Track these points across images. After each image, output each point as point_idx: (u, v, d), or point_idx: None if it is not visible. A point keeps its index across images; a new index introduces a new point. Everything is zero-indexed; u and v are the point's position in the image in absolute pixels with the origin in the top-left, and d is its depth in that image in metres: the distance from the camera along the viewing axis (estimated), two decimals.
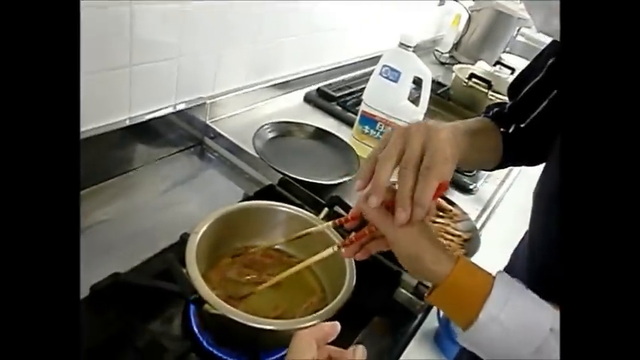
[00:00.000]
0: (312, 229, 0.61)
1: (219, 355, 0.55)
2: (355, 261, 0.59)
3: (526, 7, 0.43)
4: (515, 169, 1.20)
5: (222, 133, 0.89)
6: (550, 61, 0.61)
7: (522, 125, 0.64)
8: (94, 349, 0.51)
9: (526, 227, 0.62)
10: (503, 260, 0.73)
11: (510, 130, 0.65)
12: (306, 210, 0.77)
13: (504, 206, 1.14)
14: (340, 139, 0.95)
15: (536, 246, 0.58)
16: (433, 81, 1.38)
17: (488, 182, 1.07)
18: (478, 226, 0.89)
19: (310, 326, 0.50)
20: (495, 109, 0.68)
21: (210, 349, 0.56)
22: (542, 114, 0.62)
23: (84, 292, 0.56)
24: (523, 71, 0.66)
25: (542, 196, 0.55)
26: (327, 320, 0.51)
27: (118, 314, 0.55)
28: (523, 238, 0.67)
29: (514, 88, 0.66)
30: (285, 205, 0.66)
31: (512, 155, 0.66)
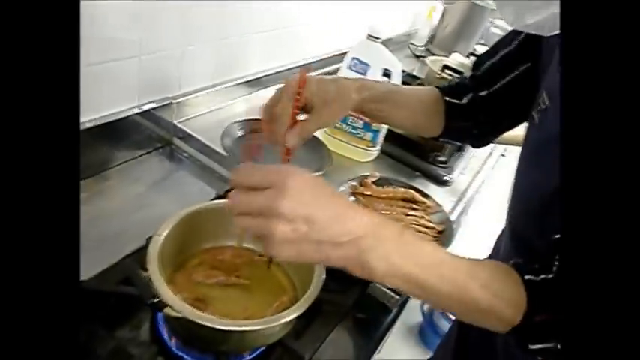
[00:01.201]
0: None
1: (188, 358, 0.54)
2: None
3: (497, 6, 0.44)
4: (492, 160, 1.20)
5: (191, 133, 0.87)
6: (521, 37, 0.63)
7: (482, 94, 0.67)
8: None
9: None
10: (483, 250, 0.73)
11: (466, 100, 0.68)
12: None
13: (482, 197, 1.15)
14: (313, 136, 0.94)
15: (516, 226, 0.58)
16: (407, 74, 1.39)
17: (464, 174, 1.07)
18: (453, 217, 0.89)
19: (278, 325, 0.49)
20: (455, 81, 0.72)
21: (179, 353, 0.54)
22: (507, 86, 0.65)
23: None
24: (493, 46, 0.69)
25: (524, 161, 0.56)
26: (299, 317, 0.50)
27: (80, 323, 0.54)
28: (503, 231, 0.67)
29: (480, 60, 0.70)
30: None
31: (459, 126, 0.69)
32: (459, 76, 1.26)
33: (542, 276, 0.41)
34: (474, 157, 1.14)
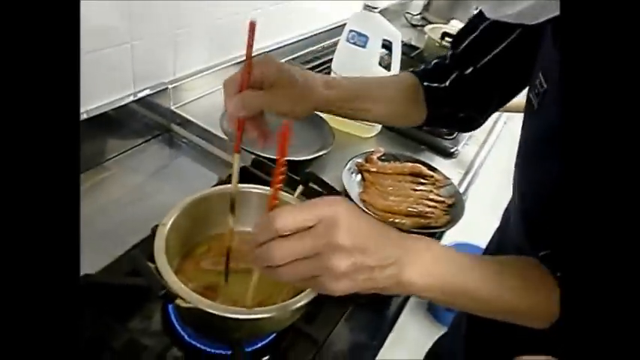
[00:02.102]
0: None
1: (201, 347, 0.54)
2: None
3: None
4: (497, 128, 1.18)
5: (189, 118, 0.85)
6: None
7: (468, 72, 0.63)
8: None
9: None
10: (493, 222, 0.72)
11: (448, 82, 0.64)
12: (282, 189, 0.74)
13: (488, 167, 1.13)
14: (315, 113, 0.91)
15: (525, 199, 0.57)
16: (405, 44, 1.35)
17: (470, 144, 1.04)
18: (462, 189, 0.87)
19: (291, 311, 0.48)
20: (433, 63, 0.67)
21: (192, 342, 0.54)
22: (498, 58, 0.61)
23: None
24: (469, 21, 0.65)
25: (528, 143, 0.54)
26: (310, 302, 0.49)
27: (92, 317, 0.53)
28: (509, 205, 0.66)
29: (459, 37, 0.65)
30: (258, 186, 0.63)
31: (443, 111, 0.66)
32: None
33: None
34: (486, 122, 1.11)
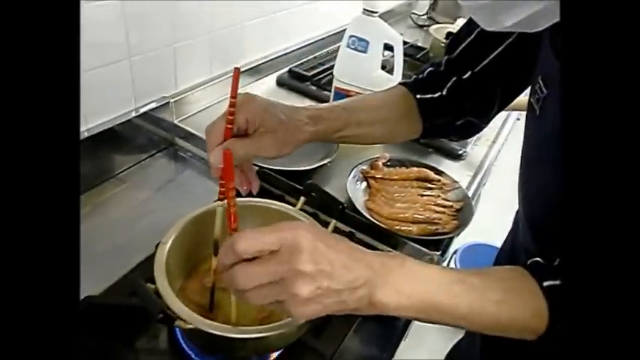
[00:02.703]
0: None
1: None
2: None
3: (468, 10, 0.41)
4: (506, 128, 1.15)
5: (192, 131, 0.85)
6: None
7: (466, 76, 0.61)
8: None
9: None
10: (508, 222, 0.70)
11: (445, 90, 0.62)
12: (288, 200, 0.74)
13: (500, 166, 1.10)
14: None
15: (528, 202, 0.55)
16: (411, 45, 1.33)
17: (479, 145, 1.02)
18: (472, 192, 0.85)
19: (295, 327, 0.47)
20: (425, 72, 0.64)
21: None
22: (499, 59, 0.59)
23: None
24: (464, 25, 0.63)
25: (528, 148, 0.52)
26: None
27: (97, 340, 0.53)
28: (518, 212, 0.64)
29: (454, 42, 0.63)
30: (260, 199, 0.62)
31: (439, 122, 0.63)
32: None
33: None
34: (488, 126, 1.09)
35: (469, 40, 0.61)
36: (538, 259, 0.42)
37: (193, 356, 0.54)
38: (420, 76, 0.65)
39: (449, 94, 0.62)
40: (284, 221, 0.38)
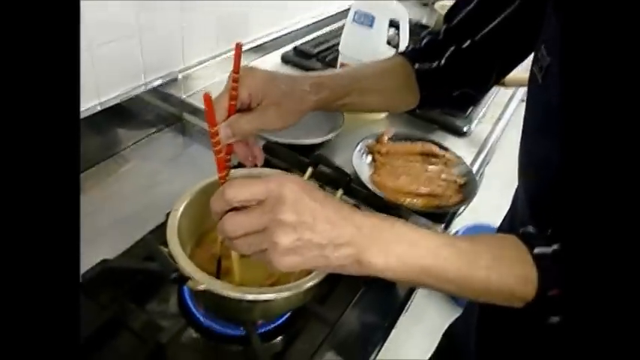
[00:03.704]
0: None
1: (217, 327, 0.55)
2: None
3: None
4: (512, 105, 1.15)
5: (200, 106, 0.86)
6: None
7: (465, 45, 0.61)
8: (90, 336, 0.51)
9: None
10: (508, 204, 0.71)
11: (444, 60, 0.61)
12: (294, 172, 0.75)
13: (504, 145, 1.11)
14: None
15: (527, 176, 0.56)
16: (416, 24, 1.33)
17: (483, 122, 1.03)
18: (475, 168, 0.86)
19: (303, 291, 0.49)
20: (423, 41, 0.64)
21: (207, 323, 0.55)
22: (501, 26, 0.58)
23: None
24: None
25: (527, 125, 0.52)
26: (322, 283, 0.49)
27: (111, 300, 0.55)
28: (518, 189, 0.65)
29: (453, 11, 0.62)
30: (266, 169, 0.64)
31: (436, 92, 0.63)
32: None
33: (555, 247, 0.39)
34: (492, 104, 1.09)
35: (469, 8, 0.60)
36: (530, 228, 0.42)
37: (202, 319, 0.56)
38: (418, 45, 0.65)
39: (447, 63, 0.62)
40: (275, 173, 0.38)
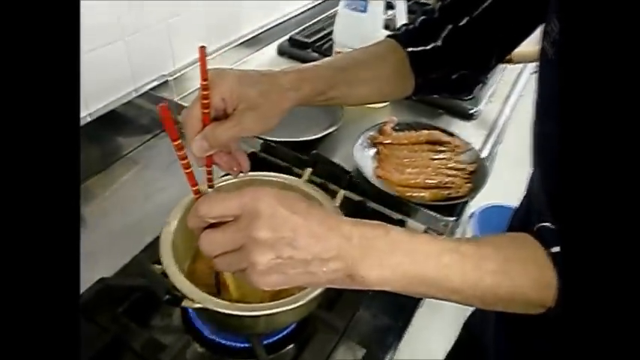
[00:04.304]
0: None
1: (221, 342, 0.53)
2: (348, 214, 0.54)
3: None
4: (522, 81, 1.10)
5: None
6: None
7: (463, 23, 0.56)
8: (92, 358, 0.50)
9: None
10: (524, 183, 0.67)
11: (440, 40, 0.56)
12: (295, 172, 0.72)
13: (515, 125, 1.06)
14: None
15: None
16: (415, 2, 1.27)
17: (492, 102, 0.98)
18: (486, 152, 0.82)
19: (306, 302, 0.46)
20: (418, 21, 0.59)
21: (212, 337, 0.54)
22: (495, 6, 0.54)
23: None
24: None
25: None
26: (328, 289, 0.47)
27: (112, 320, 0.54)
28: (533, 173, 0.60)
29: None
30: (265, 173, 0.61)
31: (433, 76, 0.58)
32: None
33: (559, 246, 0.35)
34: (501, 81, 1.04)
35: None
36: (547, 223, 0.38)
37: (206, 334, 0.54)
38: (412, 26, 0.59)
39: (444, 44, 0.57)
40: (250, 188, 0.35)
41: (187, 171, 0.39)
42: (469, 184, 0.70)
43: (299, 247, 0.33)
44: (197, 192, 0.40)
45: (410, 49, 0.57)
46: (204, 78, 0.42)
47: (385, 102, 0.88)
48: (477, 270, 0.35)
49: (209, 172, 0.47)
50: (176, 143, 0.37)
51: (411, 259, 0.35)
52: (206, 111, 0.43)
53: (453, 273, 0.35)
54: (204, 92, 0.42)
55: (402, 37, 0.58)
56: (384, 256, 0.35)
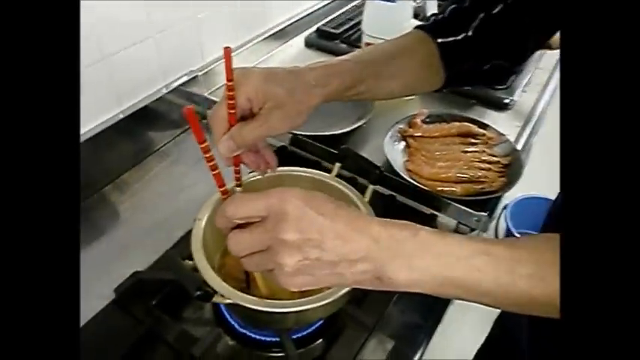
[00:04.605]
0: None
1: (252, 335, 0.54)
2: (377, 209, 0.54)
3: None
4: (558, 72, 1.05)
5: None
6: None
7: (496, 11, 0.53)
8: (127, 353, 0.51)
9: None
10: (558, 176, 0.64)
11: (471, 30, 0.54)
12: (324, 166, 0.72)
13: (553, 115, 1.02)
14: None
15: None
16: None
17: (528, 91, 0.94)
18: (521, 145, 0.79)
19: (334, 299, 0.46)
20: (448, 11, 0.56)
21: (243, 331, 0.54)
22: None
23: (109, 295, 0.57)
24: None
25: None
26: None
27: (145, 312, 0.55)
28: None
29: None
30: (294, 168, 0.61)
31: (464, 67, 0.56)
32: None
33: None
34: (537, 69, 1.00)
35: None
36: None
37: (237, 327, 0.54)
38: (441, 16, 0.57)
39: (475, 34, 0.54)
40: (276, 188, 0.35)
41: (214, 172, 0.39)
42: (503, 178, 0.68)
43: (326, 248, 0.33)
44: (225, 192, 0.40)
45: (440, 40, 0.55)
46: (229, 78, 0.42)
47: (415, 95, 0.86)
48: (511, 274, 0.34)
49: (237, 172, 0.47)
50: (203, 146, 0.38)
51: (440, 262, 0.34)
52: (232, 111, 0.43)
53: (484, 276, 0.34)
54: (230, 93, 0.42)
55: (431, 27, 0.56)
56: (413, 259, 0.34)
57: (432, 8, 0.80)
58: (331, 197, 0.36)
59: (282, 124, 0.45)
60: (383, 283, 0.35)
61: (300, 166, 0.61)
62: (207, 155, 0.38)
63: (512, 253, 0.34)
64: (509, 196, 1.59)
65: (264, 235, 0.34)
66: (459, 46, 0.55)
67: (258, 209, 0.34)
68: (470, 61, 0.56)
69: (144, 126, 0.78)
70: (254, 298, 0.46)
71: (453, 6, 0.57)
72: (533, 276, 0.34)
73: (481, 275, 0.34)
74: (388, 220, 0.36)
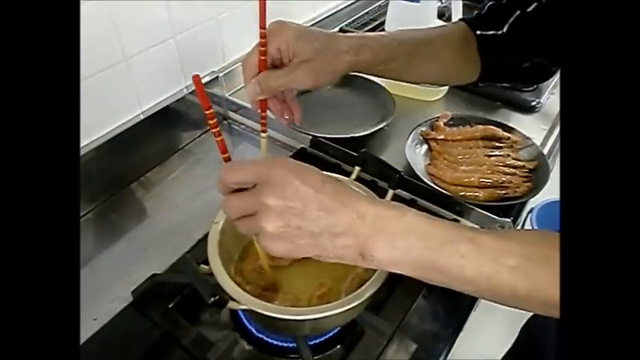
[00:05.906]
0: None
1: (268, 340, 0.53)
2: None
3: None
4: None
5: (244, 104, 0.84)
6: None
7: (531, 9, 0.52)
8: (142, 356, 0.51)
9: None
10: None
11: (506, 26, 0.54)
12: (344, 168, 0.71)
13: None
14: (370, 80, 0.84)
15: None
16: None
17: (555, 93, 0.91)
18: (547, 149, 0.76)
19: (350, 308, 0.45)
20: (486, 6, 0.56)
21: (259, 336, 0.54)
22: None
23: (126, 298, 0.57)
24: None
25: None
26: (377, 292, 0.45)
27: (162, 315, 0.55)
28: None
29: None
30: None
31: (502, 62, 0.56)
32: None
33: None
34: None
35: None
36: None
37: (255, 332, 0.54)
38: (482, 11, 0.57)
39: (510, 31, 0.54)
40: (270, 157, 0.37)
41: (218, 139, 0.40)
42: (528, 184, 0.66)
43: (308, 218, 0.34)
44: (227, 159, 0.41)
45: (479, 32, 0.55)
46: (262, 26, 0.44)
47: (445, 85, 0.84)
48: (495, 263, 0.33)
49: (263, 117, 0.50)
50: (208, 112, 0.39)
51: (424, 244, 0.34)
52: (263, 58, 0.46)
53: (467, 263, 0.33)
54: (262, 40, 0.45)
55: (472, 20, 0.57)
56: (397, 238, 0.34)
57: (457, 8, 0.78)
58: (324, 172, 0.37)
59: (305, 78, 0.47)
60: (365, 259, 0.35)
61: (320, 169, 0.60)
62: (212, 122, 0.39)
63: (501, 243, 0.34)
64: (535, 200, 1.54)
65: (250, 198, 0.36)
66: (496, 40, 0.55)
67: (247, 175, 0.36)
68: (507, 57, 0.56)
69: (166, 126, 0.78)
70: (269, 304, 0.45)
71: (491, 2, 0.57)
72: (516, 268, 0.33)
73: (464, 262, 0.33)
74: (379, 199, 0.37)
